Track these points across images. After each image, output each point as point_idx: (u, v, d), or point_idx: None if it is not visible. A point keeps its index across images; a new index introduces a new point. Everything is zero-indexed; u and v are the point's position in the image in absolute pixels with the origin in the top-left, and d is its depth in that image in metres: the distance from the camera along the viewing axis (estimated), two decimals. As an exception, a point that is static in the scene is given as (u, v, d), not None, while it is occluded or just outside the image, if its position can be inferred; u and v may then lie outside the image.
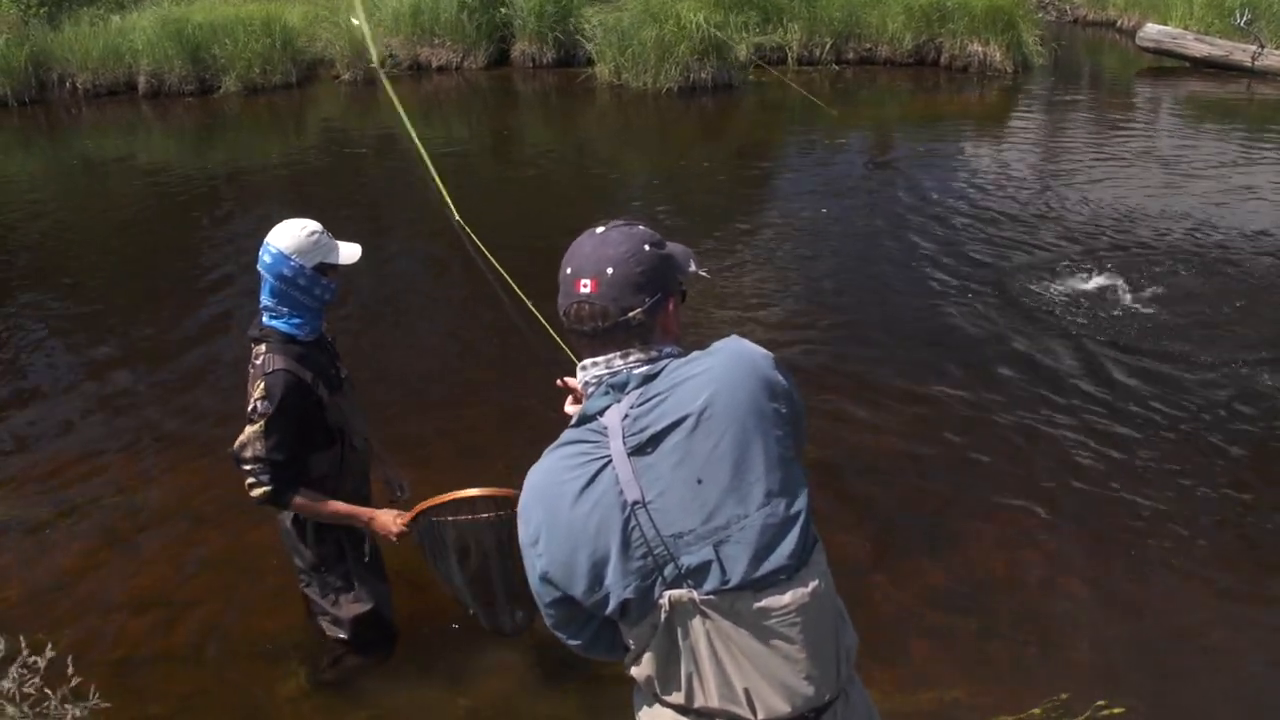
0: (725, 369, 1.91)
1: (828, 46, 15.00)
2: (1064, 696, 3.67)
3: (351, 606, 3.69)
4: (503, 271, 3.53)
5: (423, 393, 6.22)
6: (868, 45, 15.21)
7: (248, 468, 3.30)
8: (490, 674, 3.96)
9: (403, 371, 6.43)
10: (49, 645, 3.07)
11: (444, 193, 3.57)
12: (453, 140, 12.50)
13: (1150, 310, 6.86)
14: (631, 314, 1.93)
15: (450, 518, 3.23)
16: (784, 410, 1.93)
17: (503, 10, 15.14)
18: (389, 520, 3.42)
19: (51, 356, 6.96)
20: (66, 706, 2.97)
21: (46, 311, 7.71)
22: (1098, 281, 7.32)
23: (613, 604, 1.91)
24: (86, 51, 14.54)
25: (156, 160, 12.07)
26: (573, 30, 15.04)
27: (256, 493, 3.32)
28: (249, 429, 3.28)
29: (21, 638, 3.05)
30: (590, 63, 14.61)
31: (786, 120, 12.99)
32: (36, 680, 2.98)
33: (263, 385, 3.26)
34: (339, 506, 3.46)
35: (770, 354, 1.99)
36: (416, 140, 3.69)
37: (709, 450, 1.86)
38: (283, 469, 3.31)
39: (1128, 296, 7.06)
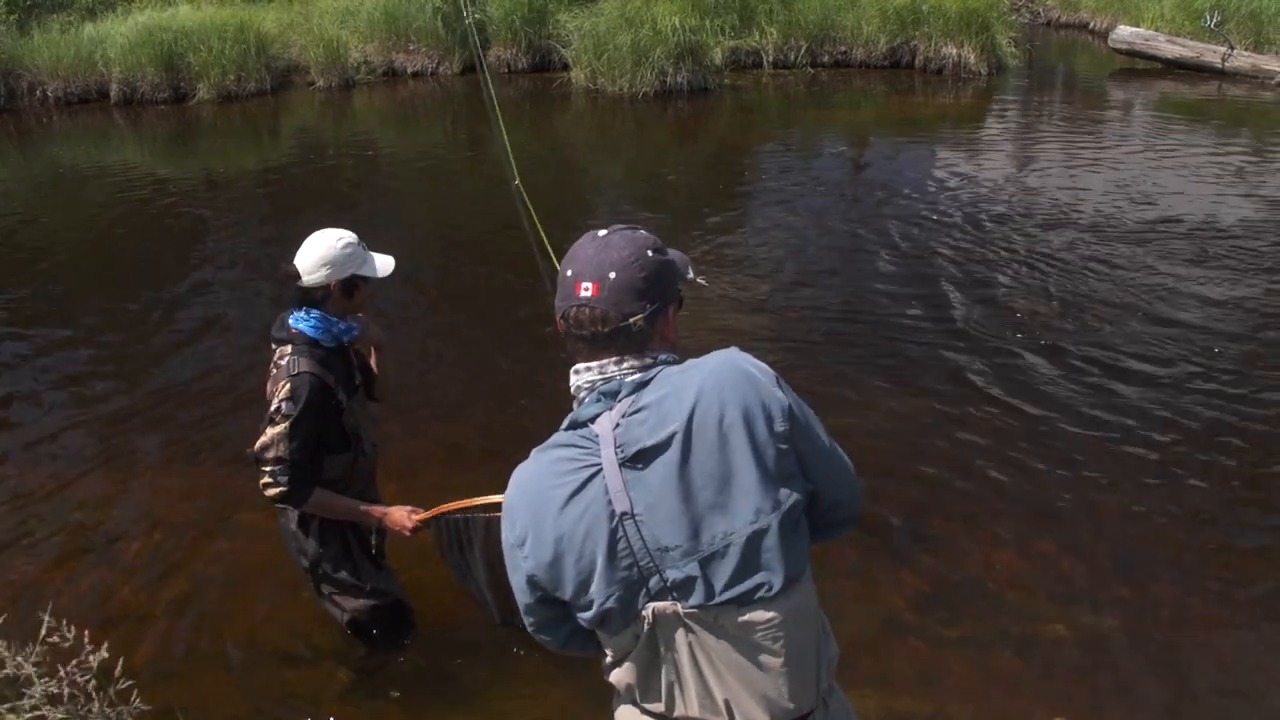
0: (718, 383, 1.87)
1: (803, 50, 15.03)
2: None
3: (364, 601, 3.74)
4: (544, 239, 3.54)
5: (419, 398, 6.18)
6: (843, 48, 15.24)
7: (268, 468, 3.32)
8: (502, 670, 3.95)
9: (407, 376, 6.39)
10: (104, 644, 3.06)
11: (507, 150, 3.59)
12: (428, 146, 12.47)
13: (1130, 312, 6.90)
14: (633, 320, 1.90)
15: (483, 515, 3.21)
16: (780, 428, 1.88)
17: (476, 16, 15.11)
18: (403, 516, 3.47)
19: (33, 366, 6.92)
20: (108, 710, 2.97)
21: (16, 318, 7.65)
22: (1077, 284, 7.36)
23: (593, 611, 1.90)
24: (57, 59, 14.44)
25: (130, 168, 11.97)
26: (548, 35, 15.04)
27: (272, 492, 3.34)
28: (272, 430, 3.30)
29: (86, 632, 3.05)
30: (566, 67, 14.60)
31: (762, 123, 13.01)
32: (91, 681, 2.97)
33: (288, 386, 3.29)
34: (352, 504, 3.54)
35: (769, 369, 1.96)
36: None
37: (698, 466, 1.83)
38: (302, 470, 3.34)
39: (1107, 300, 7.10)
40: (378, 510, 3.55)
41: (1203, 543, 4.66)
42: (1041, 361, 6.27)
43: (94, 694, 2.97)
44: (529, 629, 2.09)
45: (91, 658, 3.00)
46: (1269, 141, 11.68)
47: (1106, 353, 6.34)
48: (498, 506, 3.18)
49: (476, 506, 3.19)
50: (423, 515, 3.42)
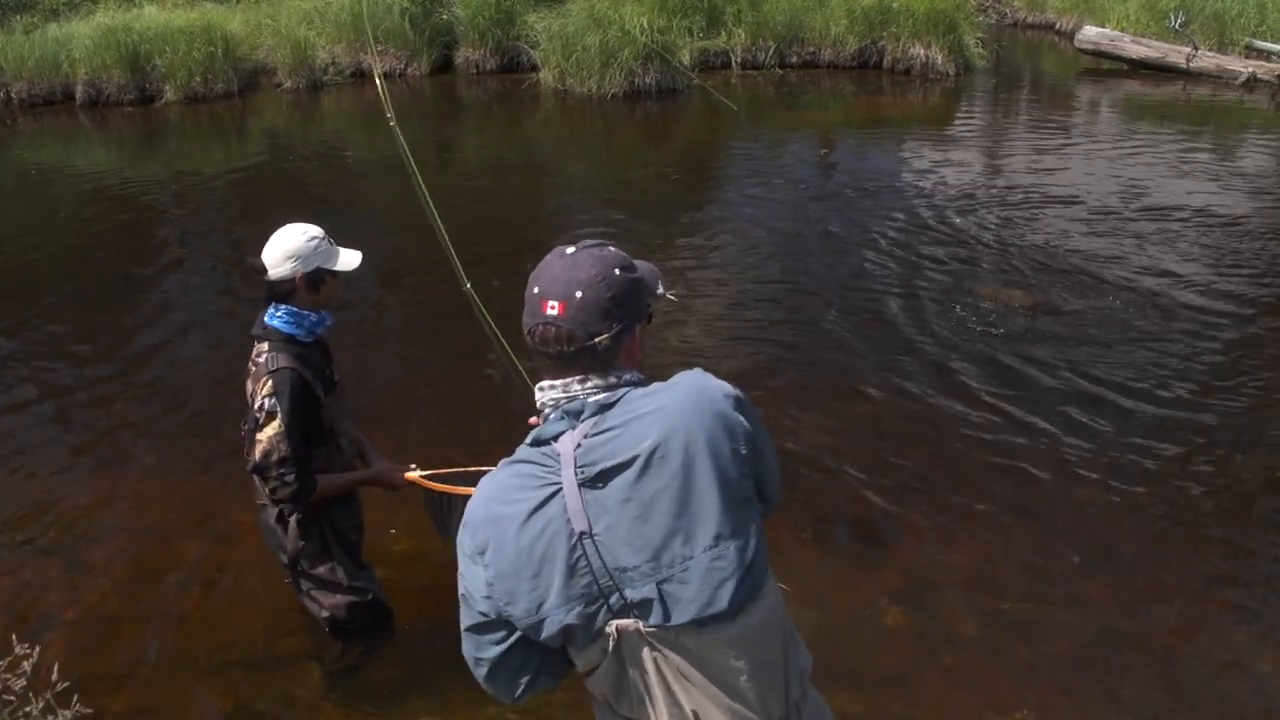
0: (682, 407, 1.88)
1: (771, 50, 15.07)
2: (1023, 714, 3.71)
3: (341, 598, 3.77)
4: (504, 342, 3.71)
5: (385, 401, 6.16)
6: (811, 49, 15.28)
7: (274, 473, 3.35)
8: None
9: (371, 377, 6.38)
10: (36, 648, 3.06)
11: (454, 258, 3.70)
12: (395, 149, 12.37)
13: (1104, 307, 6.96)
14: (598, 339, 1.91)
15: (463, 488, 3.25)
16: (743, 451, 1.90)
17: (443, 17, 15.09)
18: (390, 472, 3.62)
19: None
20: (50, 717, 2.96)
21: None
22: (1049, 280, 7.42)
23: (551, 628, 1.90)
24: (21, 60, 14.30)
25: (98, 170, 11.86)
26: (516, 36, 15.03)
27: (284, 494, 3.40)
28: (267, 432, 3.32)
29: (13, 635, 3.07)
30: (534, 68, 14.59)
31: (731, 124, 13.04)
32: (22, 682, 2.97)
33: (270, 383, 3.33)
34: (347, 476, 3.65)
35: (734, 391, 1.96)
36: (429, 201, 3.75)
37: (658, 490, 1.84)
38: (305, 463, 3.40)
39: (1080, 295, 7.16)
40: (368, 473, 3.68)
41: (1178, 537, 4.70)
42: (1015, 357, 6.32)
43: (31, 697, 2.95)
44: (470, 649, 2.04)
45: (25, 662, 2.98)
46: (1235, 140, 11.82)
47: (1081, 347, 6.41)
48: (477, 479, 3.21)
49: (459, 477, 3.28)
50: (412, 476, 3.52)
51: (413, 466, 3.61)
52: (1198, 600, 4.32)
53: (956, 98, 14.18)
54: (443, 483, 3.45)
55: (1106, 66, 15.40)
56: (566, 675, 2.09)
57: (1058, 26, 18.15)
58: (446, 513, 3.40)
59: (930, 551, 4.63)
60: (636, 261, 2.03)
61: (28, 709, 2.95)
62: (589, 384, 1.93)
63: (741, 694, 1.93)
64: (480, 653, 2.01)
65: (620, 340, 1.94)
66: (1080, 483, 5.07)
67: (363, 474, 3.72)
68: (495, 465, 2.05)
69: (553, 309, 1.90)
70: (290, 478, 3.36)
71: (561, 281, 1.91)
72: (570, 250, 1.97)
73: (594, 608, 1.89)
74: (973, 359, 6.31)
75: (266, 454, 3.33)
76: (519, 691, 2.04)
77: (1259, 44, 14.69)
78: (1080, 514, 4.85)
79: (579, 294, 1.89)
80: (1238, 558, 4.57)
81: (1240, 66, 14.24)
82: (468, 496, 3.17)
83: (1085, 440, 5.41)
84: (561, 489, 1.88)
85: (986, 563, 4.56)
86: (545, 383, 1.97)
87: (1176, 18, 15.15)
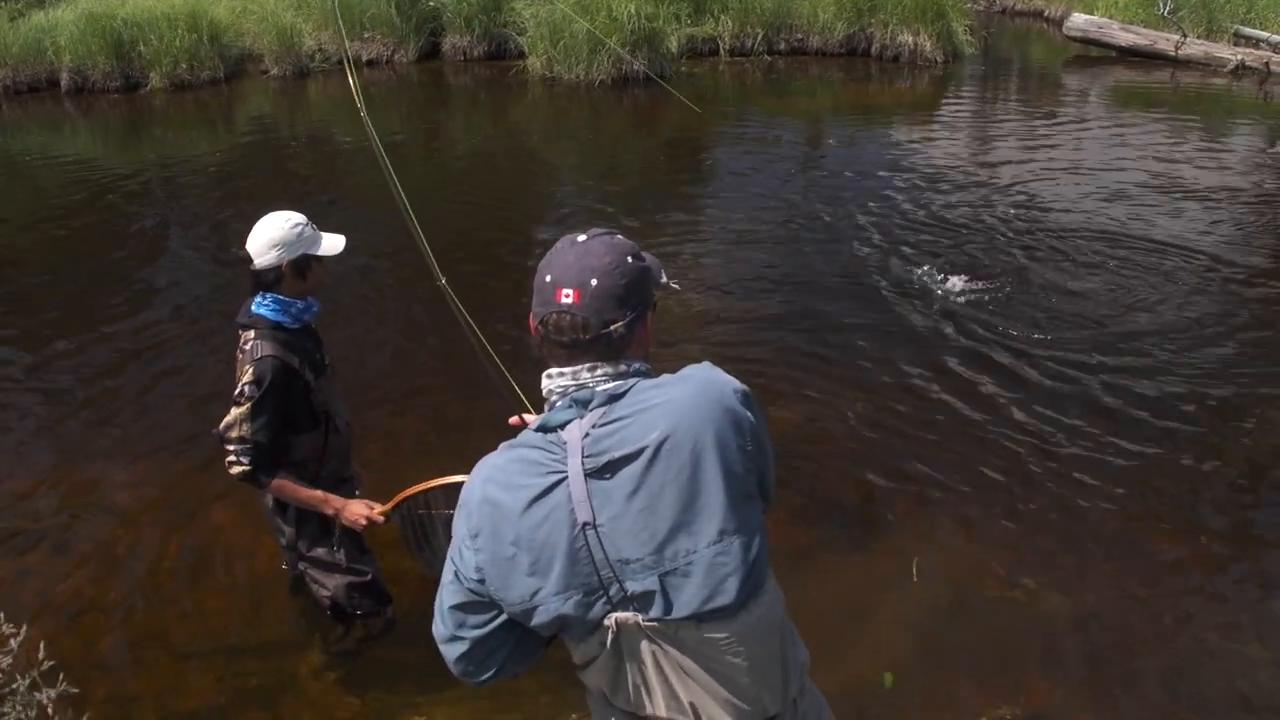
0: (692, 401, 1.87)
1: (759, 37, 15.06)
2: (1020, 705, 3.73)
3: (340, 578, 3.81)
4: (482, 338, 3.69)
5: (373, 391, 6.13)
6: (799, 36, 15.30)
7: (231, 447, 3.41)
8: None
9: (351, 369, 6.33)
10: (23, 627, 3.08)
11: (428, 252, 3.67)
12: (383, 135, 12.32)
13: (1090, 299, 6.96)
14: (613, 327, 1.90)
15: (434, 510, 3.18)
16: (749, 447, 1.90)
17: (430, 3, 15.04)
18: (360, 509, 3.51)
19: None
20: (35, 694, 2.99)
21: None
22: (1037, 273, 7.42)
23: (544, 616, 1.89)
24: (5, 47, 14.24)
25: (83, 157, 11.80)
26: (504, 23, 14.99)
27: (236, 471, 3.44)
28: (235, 410, 3.39)
29: (0, 614, 3.09)
30: (522, 55, 14.55)
31: (719, 112, 13.01)
32: (8, 660, 3.01)
33: (252, 370, 3.38)
34: (312, 493, 3.57)
35: (742, 387, 1.95)
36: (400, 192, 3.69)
37: (665, 483, 1.83)
38: (263, 451, 3.42)
39: (1067, 287, 7.16)
40: (336, 502, 3.56)
41: (1181, 529, 4.68)
42: (1013, 342, 6.33)
43: (17, 676, 2.98)
44: (443, 617, 2.01)
45: (12, 640, 3.03)
46: (1223, 125, 11.86)
47: (1080, 331, 6.43)
48: (458, 488, 3.14)
49: (435, 488, 3.17)
50: (382, 508, 3.43)
51: (376, 504, 3.50)
52: (1198, 593, 4.31)
53: (945, 85, 14.19)
54: (411, 500, 3.27)
55: (1095, 54, 15.42)
56: (534, 664, 2.07)
57: (1046, 14, 18.17)
58: (426, 542, 3.28)
59: (927, 543, 4.63)
60: (644, 253, 2.03)
61: (14, 685, 2.98)
62: (599, 372, 1.92)
63: (740, 688, 1.94)
64: (460, 631, 1.99)
65: (633, 328, 1.93)
66: (1082, 475, 5.04)
67: (329, 499, 3.56)
68: (466, 475, 2.02)
69: (567, 297, 1.88)
70: (245, 459, 3.40)
71: (575, 269, 1.90)
72: (581, 238, 1.96)
73: (592, 598, 1.88)
74: (969, 343, 6.31)
75: (228, 426, 3.40)
76: (488, 674, 2.02)
77: (1247, 31, 14.70)
78: (1082, 506, 4.83)
79: (594, 281, 1.89)
80: (1240, 552, 4.56)
81: (1229, 54, 14.26)
82: (449, 515, 3.10)
83: (1087, 430, 5.39)
84: (566, 478, 1.86)
85: (984, 554, 4.54)
86: (554, 370, 1.96)
87: (1165, 5, 15.16)
